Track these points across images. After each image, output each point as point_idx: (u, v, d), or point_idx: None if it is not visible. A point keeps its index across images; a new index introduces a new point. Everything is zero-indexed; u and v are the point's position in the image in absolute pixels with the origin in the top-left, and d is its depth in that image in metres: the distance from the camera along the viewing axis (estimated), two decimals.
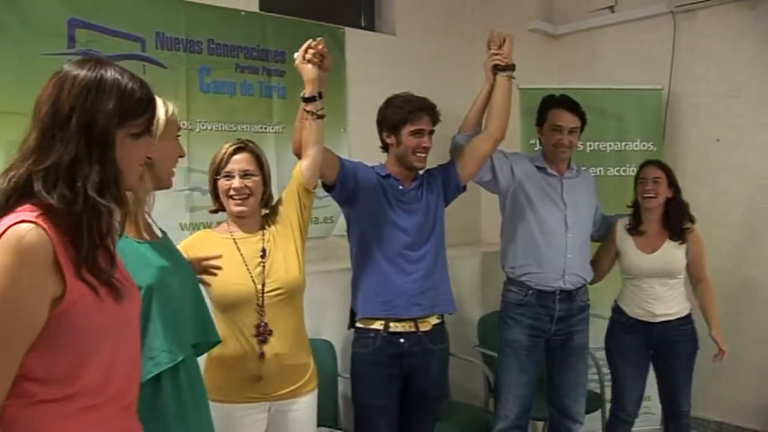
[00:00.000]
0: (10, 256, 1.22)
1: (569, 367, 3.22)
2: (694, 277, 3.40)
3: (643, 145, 4.28)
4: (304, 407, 2.39)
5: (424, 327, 2.78)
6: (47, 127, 1.30)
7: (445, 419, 3.33)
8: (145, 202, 1.77)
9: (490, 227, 4.49)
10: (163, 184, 1.83)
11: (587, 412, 3.41)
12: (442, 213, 2.92)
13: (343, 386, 3.25)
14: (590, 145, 4.25)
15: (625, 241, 3.35)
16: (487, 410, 3.65)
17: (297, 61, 2.45)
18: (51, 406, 1.29)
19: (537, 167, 3.20)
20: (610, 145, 4.26)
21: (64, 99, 1.30)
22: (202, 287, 2.07)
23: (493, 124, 2.93)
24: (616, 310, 3.42)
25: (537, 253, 3.13)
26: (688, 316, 3.33)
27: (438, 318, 2.85)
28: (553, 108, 3.20)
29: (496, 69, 2.97)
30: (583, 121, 3.23)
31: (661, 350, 3.31)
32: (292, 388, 2.34)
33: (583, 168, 3.43)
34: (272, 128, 3.71)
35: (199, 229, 3.11)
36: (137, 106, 1.39)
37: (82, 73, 1.33)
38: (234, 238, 2.37)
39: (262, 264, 2.32)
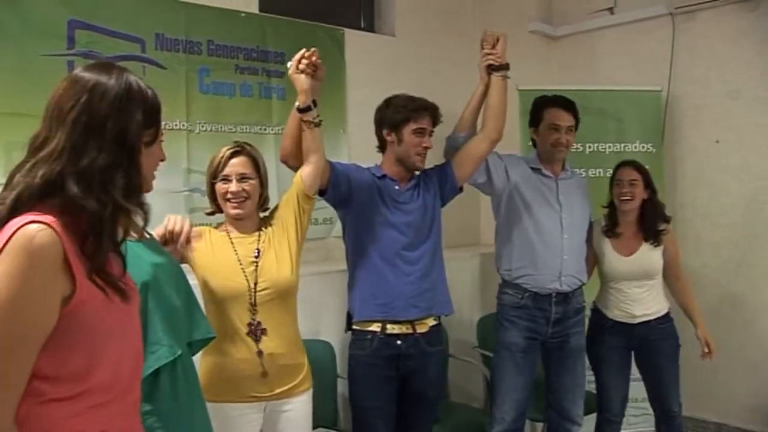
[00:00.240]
0: (21, 258, 1.22)
1: (567, 370, 3.21)
2: (672, 276, 3.38)
3: (643, 147, 4.28)
4: (299, 407, 2.40)
5: (422, 329, 2.77)
6: (80, 131, 1.32)
7: (444, 420, 3.33)
8: None
9: (489, 229, 4.48)
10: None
11: (586, 414, 3.41)
12: (439, 214, 2.91)
13: (342, 387, 3.24)
14: (590, 147, 4.25)
15: (602, 244, 3.32)
16: (486, 411, 3.64)
17: (290, 71, 2.45)
18: (60, 404, 1.30)
19: (532, 168, 3.18)
20: (610, 147, 4.26)
21: (97, 105, 1.33)
22: (194, 283, 2.08)
23: (490, 124, 2.91)
24: (595, 312, 3.40)
25: (533, 255, 3.11)
26: (667, 315, 3.32)
27: (435, 319, 2.84)
28: (549, 107, 3.18)
29: (490, 69, 2.94)
30: (578, 120, 3.20)
31: (643, 351, 3.30)
32: (287, 387, 2.35)
33: (576, 170, 3.42)
34: (272, 129, 3.71)
35: None
36: (154, 114, 1.44)
37: (112, 82, 1.37)
38: (230, 238, 2.40)
39: (255, 263, 2.35)
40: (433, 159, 3.01)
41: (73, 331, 1.29)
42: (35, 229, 1.24)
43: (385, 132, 2.82)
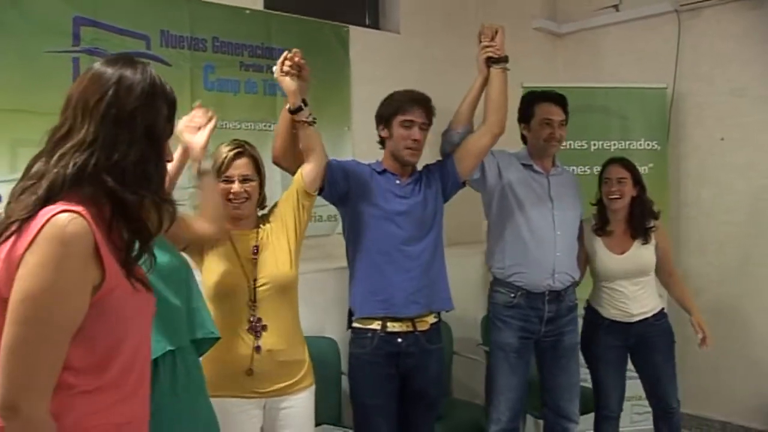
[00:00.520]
0: (54, 247, 1.25)
1: (562, 369, 3.18)
2: (664, 272, 3.37)
3: (648, 144, 4.28)
4: (301, 403, 2.40)
5: (422, 326, 2.76)
6: (109, 124, 1.35)
7: (448, 417, 3.34)
8: None
9: None
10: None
11: (584, 413, 3.40)
12: (441, 209, 2.88)
13: (346, 384, 3.24)
14: (594, 144, 4.25)
15: (593, 243, 3.30)
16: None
17: (276, 75, 2.45)
18: (87, 397, 1.33)
19: (523, 165, 3.15)
20: (614, 144, 4.26)
21: (124, 99, 1.36)
22: (200, 279, 2.09)
23: (492, 117, 2.88)
24: (590, 310, 3.38)
25: (526, 253, 3.08)
26: (662, 311, 3.31)
27: (435, 317, 2.83)
28: (540, 102, 3.15)
29: (490, 61, 2.90)
30: (567, 115, 3.17)
31: (640, 348, 3.28)
32: (287, 384, 2.36)
33: (576, 167, 3.40)
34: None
35: None
36: (174, 109, 1.48)
37: (138, 76, 1.40)
38: (229, 235, 2.40)
39: (254, 260, 2.36)
40: (433, 155, 3.00)
41: (101, 319, 1.32)
42: (67, 218, 1.26)
43: (380, 127, 2.82)
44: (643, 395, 3.47)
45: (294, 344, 2.41)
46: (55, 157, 1.33)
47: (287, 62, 2.43)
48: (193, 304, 1.93)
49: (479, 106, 2.99)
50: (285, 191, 2.60)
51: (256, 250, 2.38)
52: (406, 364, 2.75)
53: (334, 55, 4.02)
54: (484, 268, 4.19)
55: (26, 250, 1.25)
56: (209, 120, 2.21)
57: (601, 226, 3.30)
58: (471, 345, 3.88)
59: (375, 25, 4.54)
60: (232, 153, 2.39)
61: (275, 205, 2.52)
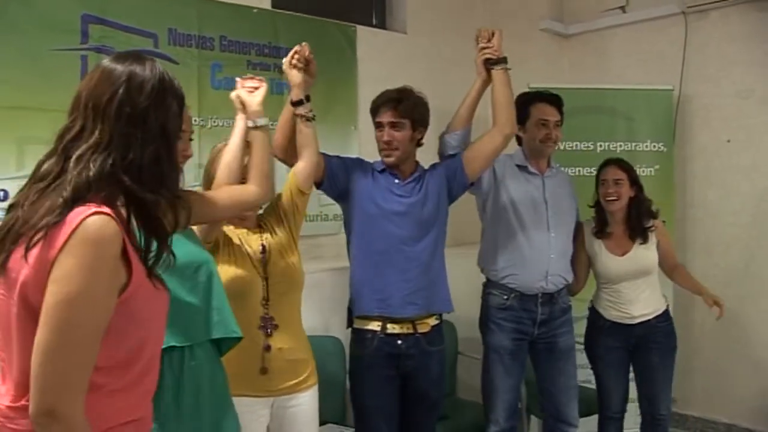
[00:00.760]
0: (89, 249, 1.25)
1: (559, 372, 3.16)
2: (669, 267, 3.34)
3: (654, 146, 4.27)
4: (307, 401, 2.40)
5: (423, 329, 2.74)
6: (123, 123, 1.33)
7: (453, 416, 3.34)
8: None
9: None
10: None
11: (588, 414, 3.40)
12: (445, 210, 2.84)
13: None
14: (600, 145, 4.25)
15: (594, 245, 3.28)
16: None
17: (284, 66, 2.47)
18: (114, 395, 1.34)
19: (518, 166, 3.13)
20: (621, 146, 4.25)
21: (136, 98, 1.35)
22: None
23: (501, 118, 2.83)
24: (592, 312, 3.36)
25: (520, 254, 3.05)
26: (666, 313, 3.28)
27: (437, 319, 2.81)
28: (535, 103, 3.13)
29: (488, 63, 2.87)
30: (563, 116, 3.15)
31: (640, 349, 3.25)
32: (294, 382, 2.36)
33: (572, 167, 3.37)
34: None
35: None
36: (183, 105, 1.47)
37: (147, 72, 1.38)
38: (238, 234, 2.40)
39: (262, 258, 2.36)
40: (430, 156, 2.98)
41: (126, 319, 1.32)
42: (100, 220, 1.26)
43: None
44: None
45: (301, 342, 2.42)
46: (73, 159, 1.32)
47: (296, 55, 2.44)
48: (214, 302, 1.91)
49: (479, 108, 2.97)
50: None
51: (263, 249, 2.37)
52: (406, 366, 2.73)
53: (341, 55, 4.03)
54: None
55: (59, 252, 1.24)
56: (260, 83, 2.28)
57: (601, 228, 3.27)
58: (475, 345, 3.85)
59: (382, 25, 4.55)
60: None
61: (271, 205, 2.51)
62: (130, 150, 1.33)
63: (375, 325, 2.71)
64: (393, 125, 2.72)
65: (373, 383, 2.73)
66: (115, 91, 1.34)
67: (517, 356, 3.09)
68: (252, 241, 2.38)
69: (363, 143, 3.98)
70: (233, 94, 2.29)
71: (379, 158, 2.84)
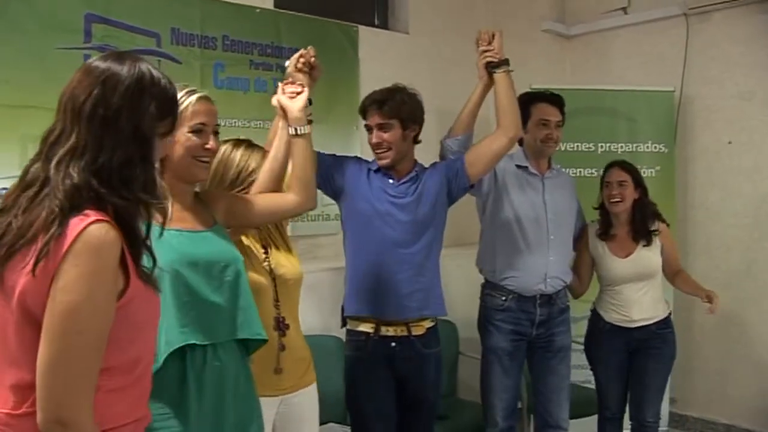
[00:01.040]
0: (92, 258, 1.24)
1: (551, 371, 3.15)
2: (671, 271, 3.33)
3: (655, 147, 4.28)
4: (310, 397, 2.40)
5: (418, 331, 2.71)
6: (96, 126, 1.30)
7: (453, 417, 3.35)
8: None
9: None
10: (183, 178, 1.89)
11: (587, 415, 3.40)
12: (442, 211, 2.79)
13: None
14: (602, 146, 4.26)
15: (598, 247, 3.28)
16: None
17: (289, 69, 2.45)
18: (112, 395, 1.33)
19: (518, 166, 3.12)
20: (622, 147, 4.25)
21: (109, 99, 1.31)
22: None
23: (505, 121, 2.78)
24: (594, 314, 3.36)
25: (519, 256, 3.05)
26: (667, 320, 3.27)
27: (432, 321, 2.78)
28: (536, 103, 3.12)
29: (490, 66, 2.83)
30: (564, 116, 3.14)
31: (638, 354, 3.24)
32: (299, 379, 2.36)
33: (562, 168, 3.35)
34: None
35: None
36: (169, 105, 1.42)
37: (125, 71, 1.34)
38: (249, 234, 2.40)
39: (267, 259, 2.35)
40: (431, 156, 2.96)
41: (124, 324, 1.32)
42: (100, 228, 1.26)
43: None
44: None
45: (303, 339, 2.42)
46: (53, 165, 1.30)
47: (301, 59, 2.43)
48: (240, 302, 1.88)
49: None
50: None
51: (266, 251, 2.37)
52: (402, 369, 2.71)
53: (344, 55, 4.04)
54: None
55: (62, 260, 1.23)
56: (302, 88, 2.20)
57: (605, 230, 3.27)
58: (476, 345, 3.85)
59: (384, 25, 4.56)
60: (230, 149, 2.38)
61: None
62: (101, 153, 1.30)
63: (368, 327, 2.69)
64: (381, 127, 2.69)
65: (368, 385, 2.72)
66: (91, 91, 1.32)
67: (515, 357, 3.09)
68: (255, 242, 2.38)
69: (364, 143, 3.94)
70: (274, 100, 2.23)
71: None
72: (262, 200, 2.07)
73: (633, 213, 3.24)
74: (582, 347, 3.41)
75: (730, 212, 4.24)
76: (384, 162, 2.72)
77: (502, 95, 2.81)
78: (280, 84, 2.26)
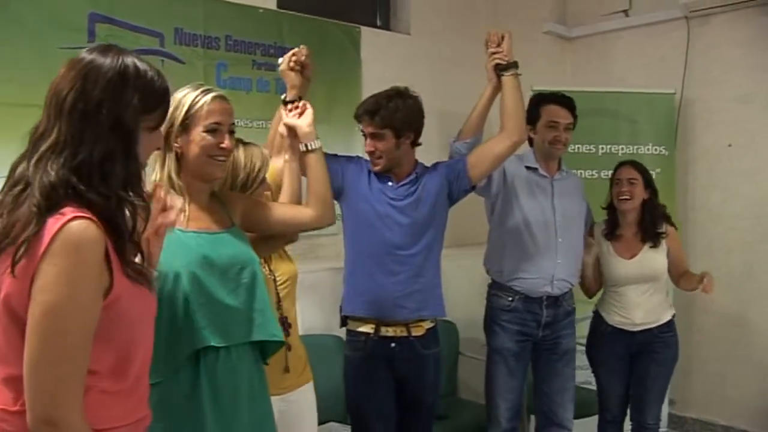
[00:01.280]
0: (70, 256, 1.22)
1: (557, 373, 3.15)
2: (678, 273, 3.28)
3: (656, 149, 4.30)
4: (308, 394, 2.42)
5: (417, 332, 2.71)
6: (76, 120, 1.28)
7: (453, 417, 3.36)
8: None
9: None
10: (201, 177, 1.89)
11: (587, 416, 3.41)
12: (443, 212, 2.78)
13: None
14: (602, 148, 4.27)
15: (603, 246, 3.26)
16: None
17: (282, 67, 2.45)
18: (105, 395, 1.32)
19: (527, 168, 3.10)
20: (623, 149, 4.27)
21: (90, 92, 1.28)
22: None
23: (509, 124, 2.75)
24: (596, 316, 3.33)
25: (526, 258, 3.04)
26: (670, 323, 3.25)
27: (432, 321, 2.79)
28: (546, 104, 3.11)
29: (498, 69, 2.80)
30: (575, 119, 3.13)
31: (640, 357, 3.22)
32: (298, 376, 2.38)
33: (583, 171, 3.36)
34: None
35: None
36: (156, 98, 1.38)
37: (107, 63, 1.31)
38: None
39: (265, 259, 2.35)
40: (432, 156, 2.95)
41: (113, 323, 1.31)
42: (81, 225, 1.23)
43: None
44: None
45: (299, 338, 2.44)
46: (33, 162, 1.28)
47: (293, 58, 2.44)
48: (256, 304, 1.87)
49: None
50: None
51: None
52: (401, 370, 2.71)
53: (346, 55, 4.05)
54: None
55: (40, 259, 1.22)
56: (305, 107, 2.21)
57: (611, 231, 3.25)
58: (476, 345, 3.89)
59: (386, 26, 4.58)
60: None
61: None
62: (81, 148, 1.27)
63: (368, 327, 2.70)
64: (373, 136, 2.68)
65: (368, 385, 2.72)
66: (73, 85, 1.29)
67: (520, 358, 3.09)
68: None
69: None
70: (281, 129, 2.22)
71: None
72: (280, 209, 2.07)
73: (642, 214, 3.21)
74: (583, 348, 3.41)
75: (731, 214, 4.25)
76: (377, 168, 2.72)
77: (508, 98, 2.78)
78: (281, 108, 2.25)
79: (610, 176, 3.33)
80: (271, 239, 2.23)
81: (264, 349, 1.92)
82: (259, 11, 3.69)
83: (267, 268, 2.33)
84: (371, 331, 2.69)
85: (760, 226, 4.17)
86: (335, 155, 2.76)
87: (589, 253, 3.24)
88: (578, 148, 4.22)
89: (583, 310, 3.46)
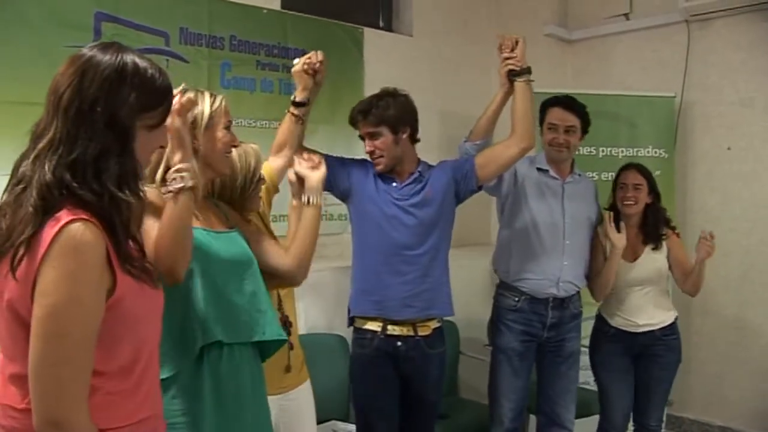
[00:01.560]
0: (70, 258, 1.22)
1: (561, 375, 3.17)
2: (682, 275, 3.26)
3: (655, 152, 4.32)
4: (305, 393, 2.44)
5: (424, 331, 2.74)
6: (72, 117, 1.27)
7: (455, 416, 3.38)
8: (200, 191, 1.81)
9: None
10: (218, 171, 1.92)
11: (586, 416, 3.42)
12: (449, 211, 2.81)
13: None
14: (603, 150, 4.29)
15: (607, 246, 3.22)
16: None
17: (296, 68, 2.47)
18: (112, 396, 1.33)
19: (539, 169, 3.13)
20: (623, 151, 4.30)
21: (87, 89, 1.28)
22: None
23: (519, 129, 2.76)
24: (599, 319, 3.34)
25: (533, 259, 3.07)
26: (673, 326, 3.25)
27: (438, 321, 2.80)
28: (551, 107, 3.14)
29: (511, 74, 2.81)
30: (584, 122, 3.13)
31: (642, 359, 3.23)
32: (297, 375, 2.39)
33: (586, 173, 3.36)
34: None
35: None
36: (156, 96, 1.38)
37: (105, 60, 1.31)
38: None
39: None
40: (433, 157, 2.97)
41: (118, 323, 1.31)
42: (79, 227, 1.23)
43: None
44: None
45: (298, 337, 2.45)
46: (31, 160, 1.28)
47: (308, 62, 2.46)
48: (260, 304, 1.88)
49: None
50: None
51: None
52: (406, 369, 2.74)
53: (349, 56, 4.08)
54: (490, 271, 4.21)
55: (40, 263, 1.22)
56: (320, 163, 2.17)
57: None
58: (477, 345, 3.92)
59: (388, 28, 4.59)
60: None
61: None
62: (77, 145, 1.27)
63: (375, 326, 2.72)
64: (370, 135, 2.71)
65: (373, 382, 2.75)
66: (71, 82, 1.29)
67: (525, 358, 3.11)
68: None
69: None
70: (290, 174, 2.20)
71: None
72: (266, 249, 2.01)
73: (645, 216, 3.22)
74: (586, 349, 3.40)
75: (729, 217, 4.28)
76: (379, 168, 2.74)
77: (519, 104, 2.79)
78: (296, 157, 2.23)
79: (610, 178, 3.34)
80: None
81: (263, 349, 1.94)
82: (263, 12, 3.70)
83: None
84: (378, 329, 2.72)
85: (758, 229, 4.19)
86: (342, 158, 2.79)
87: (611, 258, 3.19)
88: (579, 150, 4.22)
89: (589, 310, 3.47)
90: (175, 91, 1.54)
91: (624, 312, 3.22)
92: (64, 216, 1.24)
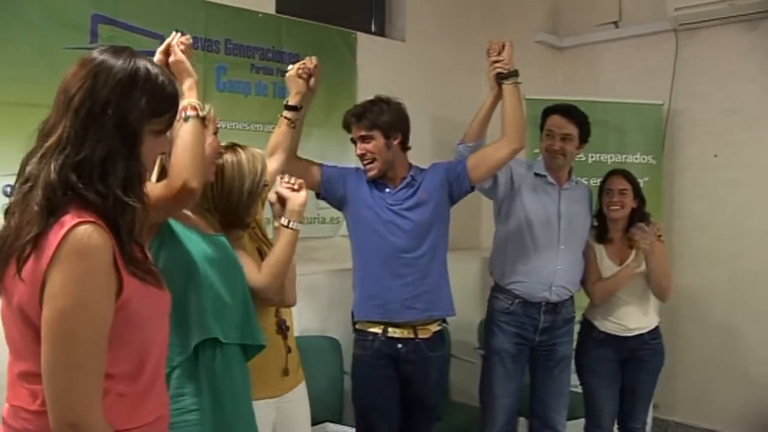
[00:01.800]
0: (77, 262, 1.23)
1: (554, 379, 3.20)
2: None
3: (643, 158, 4.37)
4: (300, 395, 2.44)
5: (424, 334, 2.77)
6: (82, 118, 1.28)
7: (446, 419, 3.39)
8: None
9: (489, 232, 4.55)
10: (205, 176, 1.89)
11: (573, 418, 3.45)
12: (444, 212, 2.84)
13: (349, 383, 3.31)
14: (592, 156, 4.33)
15: (596, 249, 3.28)
16: None
17: (291, 72, 2.51)
18: (122, 397, 1.34)
19: (537, 175, 3.17)
20: (611, 157, 4.34)
21: (99, 91, 1.30)
22: None
23: (510, 132, 2.80)
24: (585, 324, 3.36)
25: (527, 263, 3.10)
26: (657, 329, 3.30)
27: (439, 324, 2.84)
28: (549, 114, 3.19)
29: (499, 77, 2.86)
30: (583, 131, 3.18)
31: (630, 364, 3.25)
32: (294, 378, 2.39)
33: (581, 179, 3.41)
34: None
35: None
36: (165, 103, 1.40)
37: (118, 64, 1.32)
38: (248, 234, 2.43)
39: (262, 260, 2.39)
40: (426, 161, 3.00)
41: (126, 325, 1.32)
42: (86, 230, 1.24)
43: None
44: None
45: (294, 340, 2.47)
46: (37, 159, 1.29)
47: (305, 68, 2.50)
48: (248, 309, 1.93)
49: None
50: None
51: (260, 253, 2.35)
52: (406, 371, 2.77)
53: (342, 61, 4.09)
54: (481, 274, 4.26)
55: (48, 266, 1.23)
56: (301, 186, 2.20)
57: (601, 234, 3.28)
58: (467, 348, 3.94)
59: (381, 33, 4.62)
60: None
61: None
62: (84, 146, 1.27)
63: (377, 328, 2.76)
64: (363, 138, 2.76)
65: (374, 383, 2.78)
66: (82, 84, 1.30)
67: (518, 360, 3.14)
68: (251, 244, 2.37)
69: None
70: (271, 195, 2.22)
71: None
72: (248, 268, 2.04)
73: (630, 221, 3.25)
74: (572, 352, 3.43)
75: (716, 223, 4.33)
76: (372, 174, 2.77)
77: (509, 107, 2.84)
78: (278, 177, 2.27)
79: (599, 184, 3.38)
80: None
81: (246, 352, 1.95)
82: (258, 15, 3.72)
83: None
84: (379, 331, 2.75)
85: (744, 235, 4.25)
86: (336, 167, 2.84)
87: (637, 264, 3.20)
88: None
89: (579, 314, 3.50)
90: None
91: (614, 316, 3.25)
92: (70, 218, 1.24)
